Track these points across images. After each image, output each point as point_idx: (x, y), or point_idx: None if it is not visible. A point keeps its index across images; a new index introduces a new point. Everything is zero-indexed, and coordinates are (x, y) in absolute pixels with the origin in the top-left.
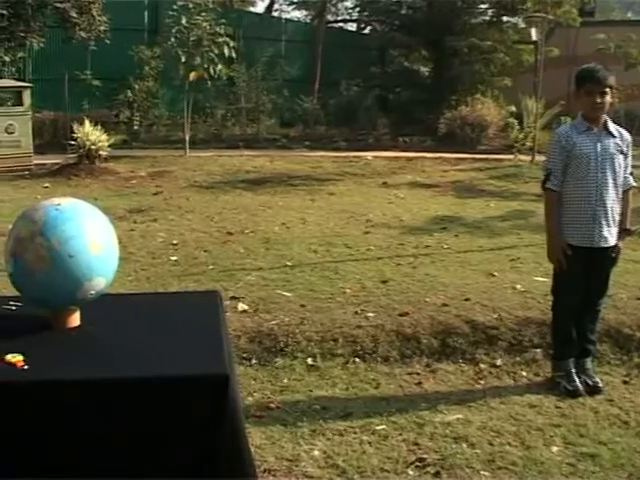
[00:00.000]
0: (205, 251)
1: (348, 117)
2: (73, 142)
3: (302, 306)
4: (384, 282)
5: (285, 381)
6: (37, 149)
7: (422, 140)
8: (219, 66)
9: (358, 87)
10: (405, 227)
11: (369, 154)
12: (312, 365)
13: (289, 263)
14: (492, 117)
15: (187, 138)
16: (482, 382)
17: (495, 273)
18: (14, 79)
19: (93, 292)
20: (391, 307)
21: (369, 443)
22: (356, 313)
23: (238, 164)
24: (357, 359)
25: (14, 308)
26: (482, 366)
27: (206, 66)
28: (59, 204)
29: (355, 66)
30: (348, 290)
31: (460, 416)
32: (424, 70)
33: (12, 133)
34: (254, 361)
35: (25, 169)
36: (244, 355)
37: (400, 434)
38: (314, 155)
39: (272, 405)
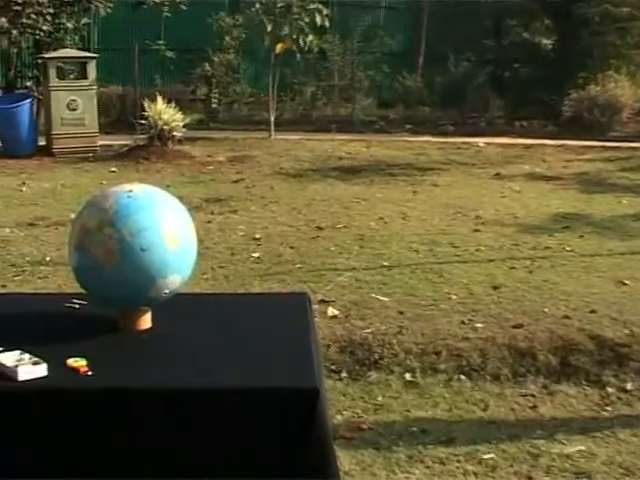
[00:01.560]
0: (291, 247)
1: (456, 97)
2: (143, 121)
3: (400, 313)
4: (495, 288)
5: (379, 399)
6: (103, 128)
7: (542, 125)
8: (309, 37)
9: (468, 62)
10: (521, 225)
11: (480, 140)
12: (410, 381)
13: (386, 263)
14: (627, 98)
15: (272, 119)
16: (609, 409)
17: (627, 281)
18: (77, 49)
19: (167, 291)
20: (503, 317)
21: (474, 474)
22: (462, 323)
23: (330, 149)
24: (462, 376)
25: (77, 307)
26: (609, 390)
27: (295, 36)
28: (131, 190)
29: (465, 38)
30: (454, 296)
31: (582, 448)
32: (546, 43)
33: (75, 110)
34: (344, 374)
35: (89, 151)
36: (333, 367)
37: (511, 465)
38: (417, 140)
39: (364, 426)
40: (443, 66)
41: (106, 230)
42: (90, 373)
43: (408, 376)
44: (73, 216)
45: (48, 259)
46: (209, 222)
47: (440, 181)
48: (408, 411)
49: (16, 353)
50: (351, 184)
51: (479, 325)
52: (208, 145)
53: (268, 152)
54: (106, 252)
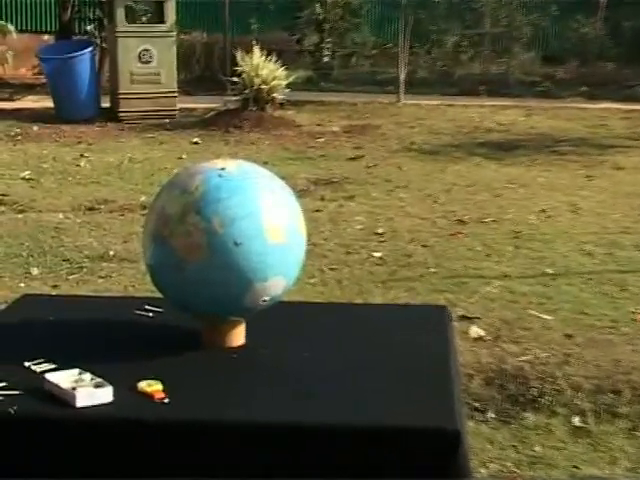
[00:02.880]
0: (424, 246)
1: None
2: (235, 79)
3: (568, 336)
4: None
5: (537, 449)
6: (183, 87)
7: None
8: None
9: None
10: None
11: None
12: (580, 427)
13: (550, 270)
14: None
15: (402, 77)
16: None
17: None
18: None
19: (267, 298)
20: None
21: None
22: None
23: (477, 118)
24: None
25: (152, 315)
26: None
27: None
28: (223, 168)
29: None
30: None
31: None
32: None
33: (148, 63)
34: (491, 414)
35: (165, 116)
36: (477, 405)
37: None
38: (594, 107)
39: None
40: (633, 8)
41: (191, 218)
42: (167, 400)
43: (577, 421)
44: (143, 199)
45: (112, 253)
46: (318, 211)
47: (624, 162)
48: (576, 467)
49: (74, 372)
50: (504, 165)
51: None
52: (318, 111)
53: (396, 121)
54: (190, 246)
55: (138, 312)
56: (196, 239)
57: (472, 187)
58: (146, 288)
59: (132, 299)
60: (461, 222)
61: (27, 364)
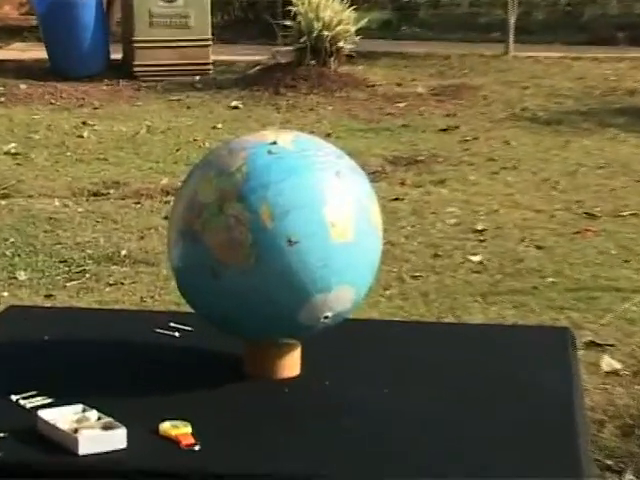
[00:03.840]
0: (538, 248)
1: None
2: (288, 23)
3: None
4: None
5: None
6: (219, 33)
7: None
8: None
9: None
10: None
11: None
12: None
13: None
14: None
15: (512, 21)
16: None
17: None
18: None
19: (329, 314)
20: None
21: None
22: None
23: (613, 76)
24: None
25: (178, 335)
26: None
27: None
28: (274, 142)
29: None
30: None
31: None
32: None
33: (173, 1)
34: (630, 476)
35: (196, 71)
36: (609, 462)
37: None
38: None
39: None
40: None
41: (231, 208)
42: (197, 447)
43: None
44: (165, 181)
45: (124, 253)
46: (397, 199)
47: None
48: None
49: (76, 409)
50: None
51: None
52: (398, 66)
53: (502, 80)
54: (230, 245)
55: (159, 331)
56: (237, 236)
57: (605, 169)
58: (170, 300)
59: (151, 314)
60: (590, 216)
61: (14, 398)
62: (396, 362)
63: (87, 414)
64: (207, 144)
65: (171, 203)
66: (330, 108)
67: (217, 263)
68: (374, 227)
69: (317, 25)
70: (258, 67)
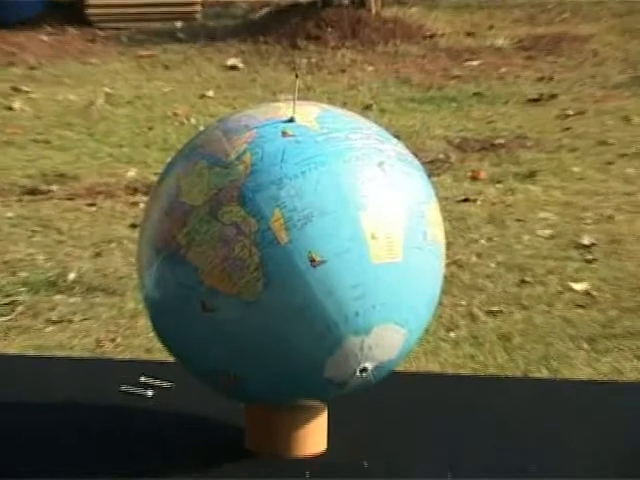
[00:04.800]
0: None
1: None
2: None
3: None
4: None
5: None
6: None
7: None
8: None
9: None
10: None
11: None
12: None
13: None
14: None
15: None
16: None
17: None
18: None
19: (369, 365)
20: None
21: None
22: None
23: None
24: None
25: (151, 394)
26: None
27: None
28: (291, 119)
29: None
30: None
31: None
32: None
33: None
34: None
35: (177, 13)
36: None
37: None
38: None
39: None
40: None
41: (229, 214)
42: None
43: None
44: (133, 174)
45: (72, 277)
46: (467, 200)
47: None
48: None
49: None
50: None
51: None
52: (469, 8)
53: (621, 27)
54: (228, 265)
55: (125, 389)
56: (238, 253)
57: None
58: (139, 344)
59: (113, 364)
60: None
61: None
62: (465, 435)
63: None
64: (193, 120)
65: (142, 206)
66: (370, 69)
67: (209, 292)
68: (432, 241)
69: None
70: (267, 9)
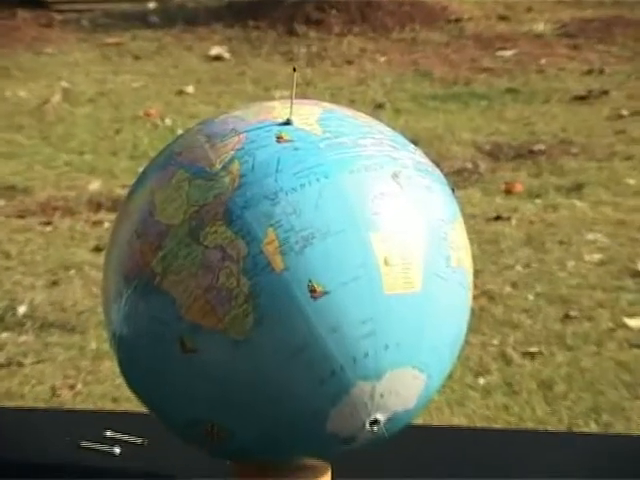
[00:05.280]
0: None
1: None
2: None
3: None
4: None
5: None
6: None
7: None
8: None
9: None
10: None
11: None
12: None
13: None
14: None
15: None
16: None
17: None
18: None
19: (380, 417)
20: None
21: None
22: None
23: None
24: None
25: (118, 452)
26: None
27: None
28: (287, 122)
29: None
30: None
31: None
32: None
33: None
34: None
35: None
36: None
37: None
38: None
39: None
40: None
41: (213, 234)
42: None
43: None
44: (97, 186)
45: (22, 311)
46: (500, 218)
47: None
48: None
49: None
50: None
51: None
52: None
53: None
54: (211, 296)
55: (86, 445)
56: (224, 281)
57: None
58: (103, 392)
59: (72, 416)
60: None
61: None
62: None
63: None
64: (169, 122)
65: (107, 225)
66: (383, 59)
67: (189, 328)
68: (458, 267)
69: None
70: None
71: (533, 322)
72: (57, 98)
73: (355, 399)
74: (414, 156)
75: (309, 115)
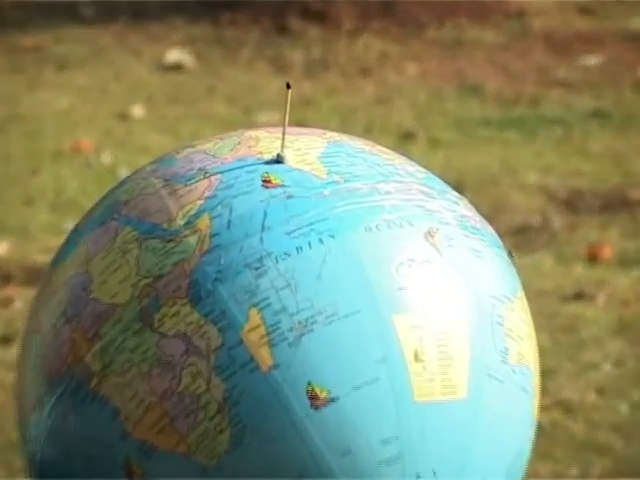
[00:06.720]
0: None
1: None
2: None
3: None
4: None
5: None
6: None
7: None
8: None
9: None
10: None
11: None
12: None
13: None
14: None
15: None
16: None
17: None
18: None
19: None
20: None
21: None
22: None
23: None
24: None
25: None
26: None
27: None
28: (278, 159)
29: None
30: None
31: None
32: None
33: None
34: None
35: None
36: None
37: None
38: None
39: None
40: None
41: (174, 320)
42: None
43: None
44: (4, 250)
45: None
46: (581, 296)
47: None
48: None
49: None
50: None
51: None
52: None
53: None
54: (171, 408)
55: None
56: (188, 383)
57: None
58: None
59: None
60: None
61: None
62: None
63: None
64: (107, 158)
65: (20, 305)
66: (413, 69)
67: (139, 450)
68: (517, 365)
69: None
70: None
71: (626, 444)
72: None
73: None
74: (457, 207)
75: (308, 149)
